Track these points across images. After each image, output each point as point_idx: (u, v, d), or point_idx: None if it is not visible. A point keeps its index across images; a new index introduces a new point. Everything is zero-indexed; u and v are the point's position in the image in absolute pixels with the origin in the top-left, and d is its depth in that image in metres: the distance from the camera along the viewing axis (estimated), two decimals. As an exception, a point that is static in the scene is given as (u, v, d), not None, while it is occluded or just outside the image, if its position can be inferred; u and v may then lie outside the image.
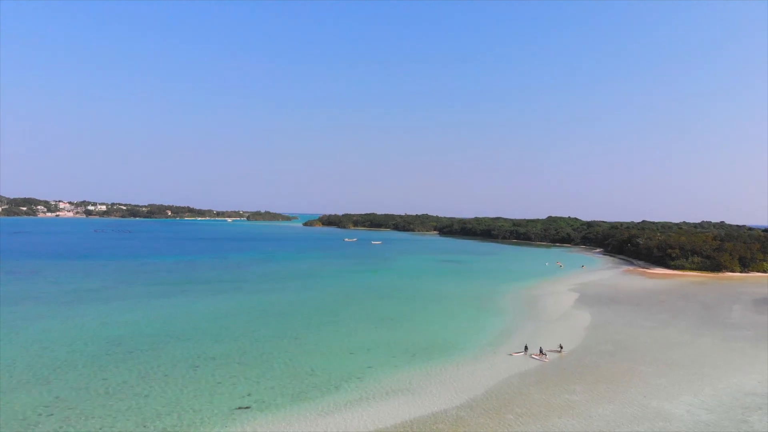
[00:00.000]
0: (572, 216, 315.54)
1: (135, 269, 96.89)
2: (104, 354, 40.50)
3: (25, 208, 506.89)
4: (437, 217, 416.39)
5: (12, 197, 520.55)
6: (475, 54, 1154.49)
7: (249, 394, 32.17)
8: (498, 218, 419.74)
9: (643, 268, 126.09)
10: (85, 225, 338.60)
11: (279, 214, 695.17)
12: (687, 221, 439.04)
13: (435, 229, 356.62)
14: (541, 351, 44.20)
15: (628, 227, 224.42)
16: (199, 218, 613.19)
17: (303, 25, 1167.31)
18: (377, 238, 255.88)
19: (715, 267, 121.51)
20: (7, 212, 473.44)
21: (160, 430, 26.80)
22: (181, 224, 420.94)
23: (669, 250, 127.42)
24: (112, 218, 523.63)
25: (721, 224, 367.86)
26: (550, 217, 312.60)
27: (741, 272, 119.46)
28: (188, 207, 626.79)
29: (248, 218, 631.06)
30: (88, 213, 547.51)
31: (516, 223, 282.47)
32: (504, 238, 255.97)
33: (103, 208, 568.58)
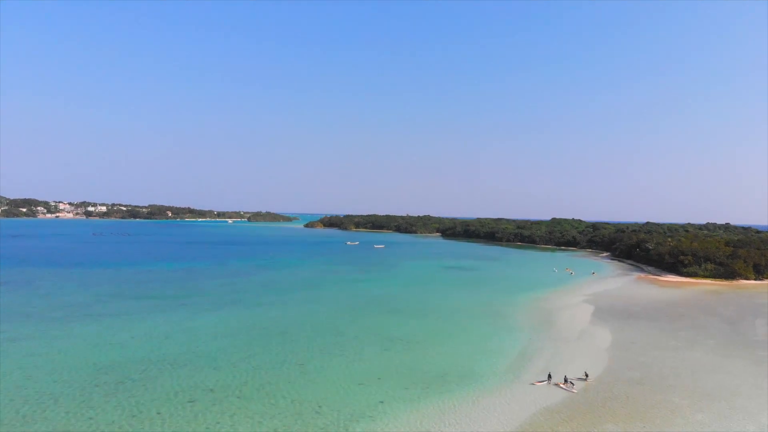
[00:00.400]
0: (573, 216, 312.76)
1: (131, 279, 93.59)
2: (92, 385, 37.18)
3: (25, 209, 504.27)
4: (439, 218, 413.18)
5: (12, 198, 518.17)
6: (476, 54, 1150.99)
7: (250, 441, 28.87)
8: (500, 219, 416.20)
9: (655, 275, 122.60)
10: (85, 227, 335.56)
11: (280, 215, 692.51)
12: (691, 222, 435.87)
13: (437, 231, 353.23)
14: (565, 380, 40.85)
15: (634, 230, 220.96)
16: (200, 219, 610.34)
17: (303, 24, 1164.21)
18: (379, 240, 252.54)
19: (729, 274, 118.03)
20: (7, 213, 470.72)
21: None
22: (182, 226, 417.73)
23: (681, 257, 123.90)
24: (112, 219, 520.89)
25: (727, 226, 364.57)
26: (554, 219, 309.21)
27: (755, 280, 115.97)
28: (189, 208, 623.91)
29: (249, 219, 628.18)
30: (88, 214, 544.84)
31: (520, 225, 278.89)
32: (508, 240, 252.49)
33: (103, 209, 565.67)
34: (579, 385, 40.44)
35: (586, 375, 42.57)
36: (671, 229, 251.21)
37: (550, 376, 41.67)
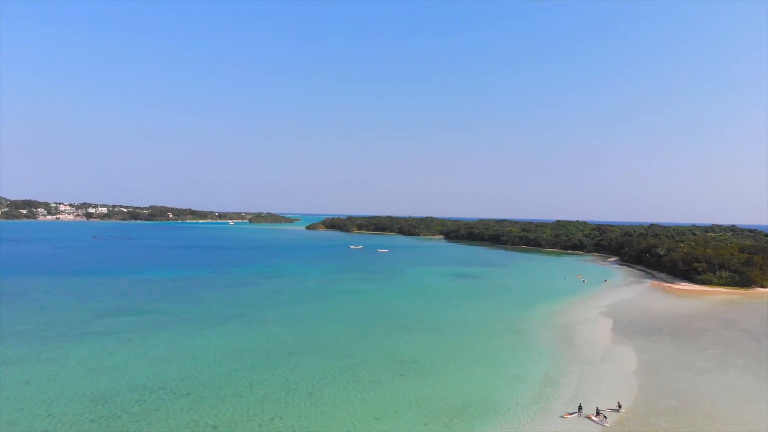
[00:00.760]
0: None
1: (129, 289, 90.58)
2: (86, 420, 34.17)
3: (25, 211, 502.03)
4: (442, 220, 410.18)
5: (12, 199, 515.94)
6: (477, 54, 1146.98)
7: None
8: (503, 221, 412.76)
9: (669, 282, 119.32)
10: (85, 230, 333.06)
11: (282, 216, 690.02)
12: (696, 224, 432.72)
13: (441, 233, 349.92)
14: (597, 412, 37.73)
15: (641, 234, 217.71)
16: (201, 221, 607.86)
17: (304, 24, 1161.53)
18: (383, 244, 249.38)
19: (745, 282, 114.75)
20: (7, 215, 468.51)
21: None
22: (183, 228, 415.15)
23: (695, 264, 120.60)
24: (113, 221, 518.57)
25: (733, 228, 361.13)
26: (558, 222, 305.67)
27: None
28: (189, 209, 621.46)
29: (250, 221, 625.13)
30: (89, 216, 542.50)
31: (524, 228, 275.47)
32: (513, 244, 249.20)
33: (104, 210, 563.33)
34: (612, 417, 37.37)
35: (619, 406, 39.42)
36: (678, 232, 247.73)
37: (580, 408, 38.53)
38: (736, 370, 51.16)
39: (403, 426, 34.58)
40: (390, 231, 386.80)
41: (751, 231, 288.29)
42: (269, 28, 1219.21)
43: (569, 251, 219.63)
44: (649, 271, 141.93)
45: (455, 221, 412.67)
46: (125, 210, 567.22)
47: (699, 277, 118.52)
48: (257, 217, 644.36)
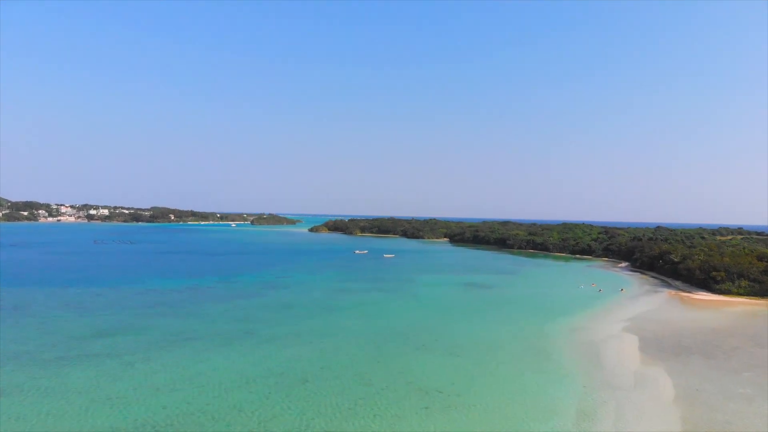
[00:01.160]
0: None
1: (132, 302, 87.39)
2: (85, 468, 30.95)
3: (26, 213, 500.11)
4: (446, 222, 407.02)
5: (13, 200, 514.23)
6: (477, 54, 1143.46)
7: None
8: (507, 223, 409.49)
9: (686, 292, 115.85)
10: (86, 233, 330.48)
11: (284, 218, 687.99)
12: (702, 226, 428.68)
13: (445, 236, 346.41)
14: (646, 455, 34.51)
15: (651, 238, 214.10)
16: (203, 222, 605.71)
17: (304, 24, 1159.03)
18: (388, 248, 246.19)
19: (765, 292, 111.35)
20: (8, 217, 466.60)
21: None
22: (185, 231, 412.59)
23: (714, 273, 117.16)
24: (115, 223, 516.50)
25: (740, 230, 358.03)
26: (564, 225, 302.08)
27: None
28: (191, 211, 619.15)
29: (252, 222, 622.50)
30: (90, 218, 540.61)
31: (531, 231, 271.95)
32: (520, 248, 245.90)
33: (106, 212, 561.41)
34: (661, 461, 34.09)
35: (668, 446, 36.22)
36: (687, 236, 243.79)
37: (626, 450, 35.31)
38: (781, 398, 47.82)
39: (435, 475, 31.29)
40: (393, 233, 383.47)
41: (758, 234, 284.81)
42: (269, 28, 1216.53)
43: (577, 256, 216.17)
44: (664, 278, 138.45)
45: (459, 223, 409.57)
46: (127, 212, 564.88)
47: (717, 287, 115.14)
48: (259, 219, 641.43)
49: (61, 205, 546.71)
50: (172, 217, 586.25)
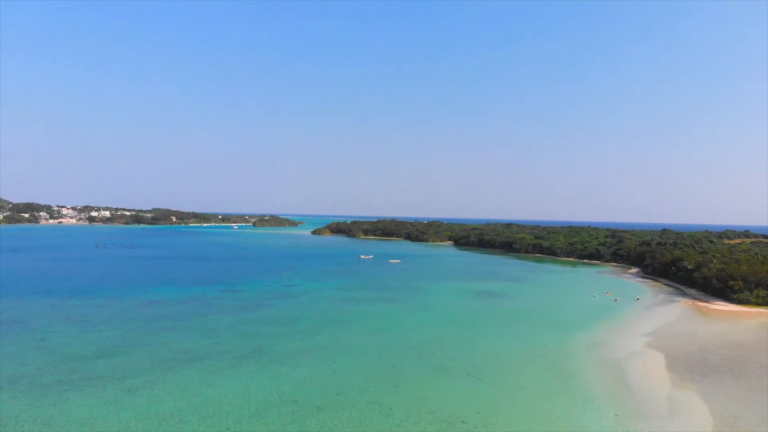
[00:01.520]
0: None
1: (135, 315, 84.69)
2: None
3: (27, 215, 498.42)
4: (450, 224, 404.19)
5: (15, 202, 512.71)
6: (477, 54, 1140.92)
7: None
8: (511, 225, 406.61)
9: (703, 301, 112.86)
10: (87, 236, 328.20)
11: (286, 219, 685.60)
12: (709, 227, 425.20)
13: (449, 239, 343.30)
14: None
15: (660, 243, 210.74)
16: (205, 224, 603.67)
17: (305, 24, 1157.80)
18: (393, 252, 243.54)
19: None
20: (9, 219, 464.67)
21: None
22: (187, 233, 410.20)
23: (731, 282, 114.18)
24: (116, 225, 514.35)
25: (746, 233, 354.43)
26: (570, 228, 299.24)
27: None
28: (193, 213, 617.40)
29: (254, 224, 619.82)
30: (92, 219, 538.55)
31: (538, 235, 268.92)
32: (526, 252, 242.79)
33: (107, 213, 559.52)
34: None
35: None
36: (695, 240, 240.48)
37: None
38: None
39: None
40: (397, 236, 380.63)
41: (765, 237, 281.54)
42: (270, 28, 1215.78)
43: (585, 261, 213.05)
44: (677, 286, 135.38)
45: (462, 225, 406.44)
46: (128, 214, 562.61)
47: (735, 296, 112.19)
48: (261, 221, 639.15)
49: (63, 206, 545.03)
50: (174, 219, 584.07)
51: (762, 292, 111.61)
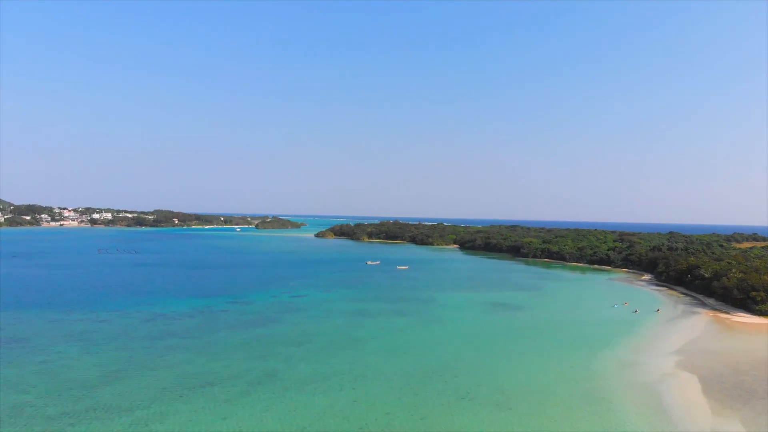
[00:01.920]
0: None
1: (141, 332, 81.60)
2: None
3: (28, 217, 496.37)
4: (454, 227, 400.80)
5: (16, 204, 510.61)
6: (477, 53, 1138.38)
7: None
8: (516, 227, 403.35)
9: (724, 312, 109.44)
10: (89, 239, 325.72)
11: (288, 221, 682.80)
12: (715, 228, 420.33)
13: (455, 243, 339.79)
14: None
15: (671, 248, 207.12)
16: (207, 226, 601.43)
17: (306, 23, 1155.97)
18: (398, 257, 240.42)
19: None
20: (11, 222, 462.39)
21: None
22: (189, 237, 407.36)
23: (753, 293, 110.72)
24: (118, 227, 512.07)
25: (755, 236, 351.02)
26: (577, 231, 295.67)
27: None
28: (195, 215, 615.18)
29: (257, 226, 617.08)
30: (93, 222, 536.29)
31: (545, 239, 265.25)
32: (534, 256, 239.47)
33: (109, 216, 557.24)
34: None
35: None
36: (706, 244, 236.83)
37: None
38: None
39: None
40: (401, 239, 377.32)
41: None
42: (271, 28, 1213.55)
43: (595, 266, 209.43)
44: (695, 295, 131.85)
45: (466, 226, 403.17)
46: (130, 216, 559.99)
47: (757, 308, 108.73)
48: (263, 222, 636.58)
49: (64, 208, 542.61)
50: (176, 221, 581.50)
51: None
